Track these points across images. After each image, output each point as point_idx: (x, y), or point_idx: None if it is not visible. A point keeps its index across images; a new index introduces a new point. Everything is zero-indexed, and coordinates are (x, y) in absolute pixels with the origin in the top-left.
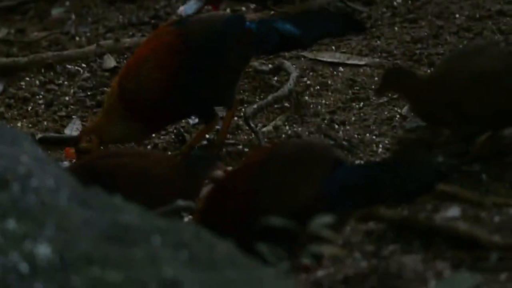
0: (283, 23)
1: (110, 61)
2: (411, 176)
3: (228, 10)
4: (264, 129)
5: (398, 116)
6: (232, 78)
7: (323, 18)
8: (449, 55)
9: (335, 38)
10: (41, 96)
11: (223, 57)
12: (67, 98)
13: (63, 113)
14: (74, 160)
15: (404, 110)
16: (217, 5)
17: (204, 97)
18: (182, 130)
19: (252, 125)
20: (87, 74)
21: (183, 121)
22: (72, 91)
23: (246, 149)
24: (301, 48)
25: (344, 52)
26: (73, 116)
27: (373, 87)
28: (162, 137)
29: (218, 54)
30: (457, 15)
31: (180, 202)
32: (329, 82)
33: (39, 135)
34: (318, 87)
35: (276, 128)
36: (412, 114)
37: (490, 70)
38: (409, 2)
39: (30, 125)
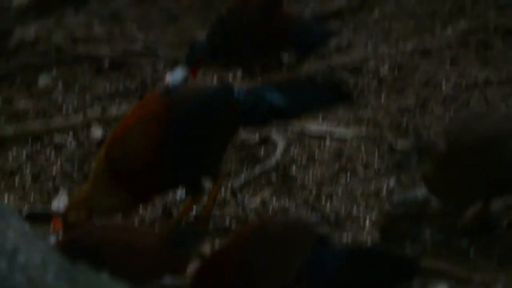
0: (272, 94)
1: (97, 132)
2: (390, 267)
3: (215, 77)
4: (251, 202)
5: (385, 189)
6: (220, 149)
7: (312, 89)
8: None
9: (323, 109)
10: (28, 168)
11: (210, 127)
12: (54, 171)
13: (50, 186)
14: (61, 232)
15: (391, 183)
16: (195, 71)
17: (190, 167)
18: (169, 204)
19: (239, 197)
20: (74, 145)
21: (170, 195)
22: (59, 161)
23: (233, 223)
24: (289, 119)
25: (330, 124)
26: (60, 189)
27: (360, 159)
28: (149, 211)
29: (206, 124)
30: (443, 84)
31: (167, 279)
32: (316, 154)
33: (26, 210)
34: (305, 160)
35: (263, 201)
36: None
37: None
38: (395, 71)
39: (17, 198)
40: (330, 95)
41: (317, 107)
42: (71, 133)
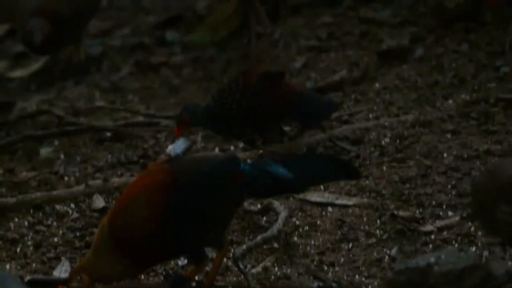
0: (277, 167)
1: (99, 201)
2: None
3: (216, 149)
4: (253, 270)
5: (387, 257)
6: (224, 220)
7: (317, 162)
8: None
9: (328, 182)
10: (29, 237)
11: (214, 198)
12: (56, 239)
13: (52, 255)
14: None
15: (393, 251)
16: (180, 129)
17: (194, 237)
18: (170, 271)
19: (242, 266)
20: (76, 215)
21: (172, 261)
22: (61, 232)
23: None
24: (293, 193)
25: (332, 192)
26: (62, 258)
27: (362, 227)
28: (150, 278)
29: (210, 195)
30: (445, 155)
31: None
32: (318, 222)
33: (27, 278)
34: (307, 228)
35: (265, 269)
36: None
37: None
38: (397, 141)
39: (18, 267)
40: (336, 169)
41: (323, 181)
42: (73, 202)
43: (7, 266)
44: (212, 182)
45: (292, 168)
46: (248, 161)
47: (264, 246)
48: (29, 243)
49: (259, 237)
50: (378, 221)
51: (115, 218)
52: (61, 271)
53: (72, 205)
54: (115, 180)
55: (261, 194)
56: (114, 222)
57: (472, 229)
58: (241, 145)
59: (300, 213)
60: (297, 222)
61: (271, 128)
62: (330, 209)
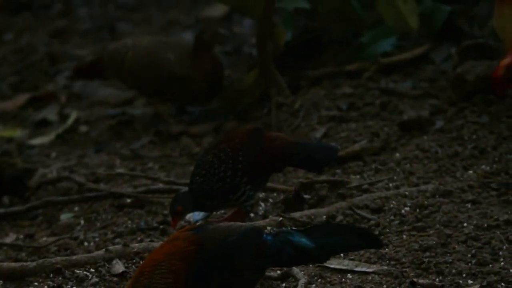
0: (299, 237)
1: (118, 266)
2: None
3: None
4: None
5: None
6: None
7: (339, 231)
8: None
9: (351, 251)
10: None
11: (237, 268)
12: None
13: None
14: None
15: None
16: (175, 221)
17: None
18: None
19: None
20: (95, 279)
21: None
22: None
23: None
24: (316, 263)
25: (352, 259)
26: None
27: None
28: None
29: (233, 265)
30: (465, 224)
31: None
32: None
33: None
34: None
35: None
36: None
37: None
38: (417, 210)
39: None
40: (358, 239)
41: (345, 250)
42: (92, 267)
43: None
44: (236, 252)
45: (314, 238)
46: (271, 230)
47: None
48: None
49: None
50: None
51: (137, 283)
52: None
53: (92, 270)
54: (135, 246)
55: (284, 264)
56: (137, 287)
57: None
58: (260, 212)
59: (319, 280)
60: None
61: (266, 181)
62: (349, 276)
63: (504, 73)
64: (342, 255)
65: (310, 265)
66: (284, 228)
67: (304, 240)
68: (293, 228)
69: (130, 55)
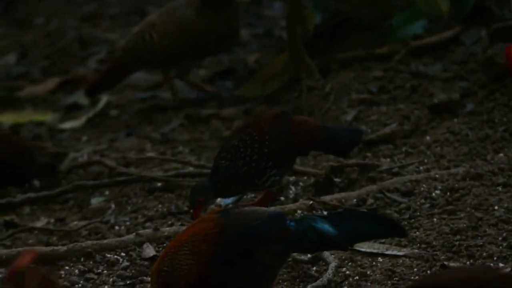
0: (323, 223)
1: (149, 250)
2: None
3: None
4: None
5: None
6: (267, 275)
7: (364, 219)
8: None
9: (374, 239)
10: (80, 286)
11: (258, 253)
12: (106, 287)
13: None
14: None
15: None
16: (197, 211)
17: None
18: None
19: None
20: (126, 263)
21: None
22: (111, 280)
23: None
24: (338, 249)
25: (383, 243)
26: None
27: (412, 278)
28: None
29: (254, 250)
30: (496, 207)
31: None
32: (368, 272)
33: None
34: (357, 278)
35: None
36: None
37: None
38: (448, 193)
39: None
40: (382, 226)
41: (368, 238)
42: (123, 251)
43: None
44: (258, 237)
45: (337, 225)
46: (297, 215)
47: None
48: None
49: (309, 287)
50: (429, 272)
51: (162, 264)
52: None
53: (123, 254)
54: (166, 229)
55: (307, 250)
56: (160, 267)
57: None
58: (291, 195)
59: (350, 263)
60: (347, 272)
61: (292, 165)
62: (380, 259)
63: None
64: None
65: None
66: (308, 213)
67: (327, 227)
68: (317, 214)
69: (156, 34)
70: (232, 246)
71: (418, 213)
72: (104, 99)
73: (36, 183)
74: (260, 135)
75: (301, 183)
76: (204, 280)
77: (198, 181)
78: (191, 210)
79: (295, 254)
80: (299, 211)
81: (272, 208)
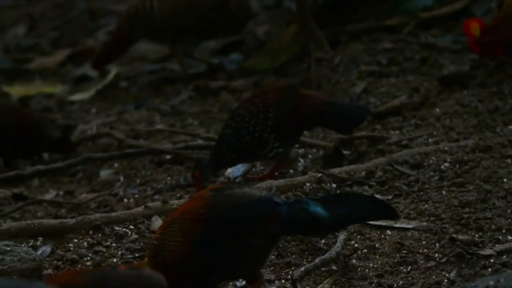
0: (315, 205)
1: (158, 223)
2: None
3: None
4: None
5: (446, 280)
6: (255, 256)
7: (356, 202)
8: None
9: (365, 221)
10: (89, 258)
11: (244, 235)
12: (115, 260)
13: None
14: None
15: (452, 274)
16: (197, 186)
17: (222, 270)
18: None
19: None
20: (135, 236)
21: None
22: (120, 253)
23: None
24: (330, 231)
25: None
26: None
27: (420, 251)
28: None
29: (240, 231)
30: (505, 180)
31: None
32: (377, 245)
33: None
34: (365, 250)
35: None
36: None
37: None
38: (457, 166)
39: None
40: (374, 209)
41: (359, 220)
42: (132, 224)
43: None
44: (244, 219)
45: (329, 207)
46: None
47: (323, 269)
48: (88, 263)
49: (317, 260)
50: (437, 245)
51: (155, 237)
52: None
53: (131, 227)
54: (174, 202)
55: (299, 232)
56: (152, 243)
57: None
58: (300, 168)
59: (359, 236)
60: (356, 245)
61: (296, 139)
62: (389, 232)
63: (480, 35)
64: None
65: None
66: (300, 197)
67: (319, 209)
68: (310, 197)
69: (157, 2)
70: (218, 227)
71: (427, 186)
72: (113, 71)
73: (45, 155)
74: (266, 106)
75: (310, 156)
76: (190, 258)
77: (201, 158)
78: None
79: None
80: (308, 184)
81: (264, 192)
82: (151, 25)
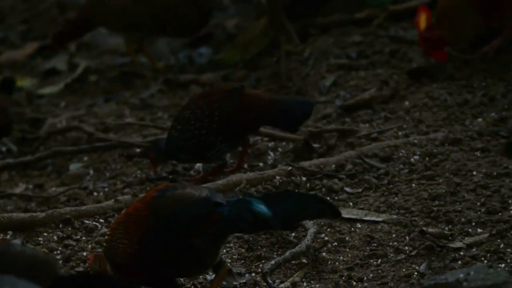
0: (259, 204)
1: None
2: None
3: (245, 165)
4: (282, 285)
5: (416, 273)
6: (203, 254)
7: (298, 201)
8: None
9: (308, 219)
10: (59, 252)
11: (184, 236)
12: (85, 254)
13: (81, 269)
14: None
15: (422, 267)
16: (153, 164)
17: (170, 269)
18: None
19: (270, 281)
20: (105, 230)
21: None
22: (89, 246)
23: None
24: (273, 229)
25: (361, 209)
26: (91, 272)
27: (390, 244)
28: None
29: (179, 233)
30: (474, 173)
31: None
32: (347, 238)
33: None
34: (335, 243)
35: (294, 284)
36: (430, 271)
37: None
38: (427, 159)
39: None
40: (317, 208)
41: (302, 219)
42: (102, 217)
43: None
44: (182, 221)
45: (272, 206)
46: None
47: (293, 262)
48: (59, 257)
49: (287, 253)
50: (407, 238)
51: (104, 241)
52: None
53: (101, 220)
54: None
55: (244, 231)
56: (103, 245)
57: (502, 246)
58: (270, 161)
59: (329, 229)
60: (326, 238)
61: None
62: (359, 225)
63: (424, 30)
64: (351, 204)
65: None
66: (245, 195)
67: (263, 208)
68: (254, 195)
69: None
70: (159, 228)
71: (397, 179)
72: (82, 64)
73: (14, 148)
74: (210, 109)
75: (279, 149)
76: (137, 260)
77: (158, 138)
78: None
79: None
80: (278, 177)
81: (206, 191)
82: (107, 15)
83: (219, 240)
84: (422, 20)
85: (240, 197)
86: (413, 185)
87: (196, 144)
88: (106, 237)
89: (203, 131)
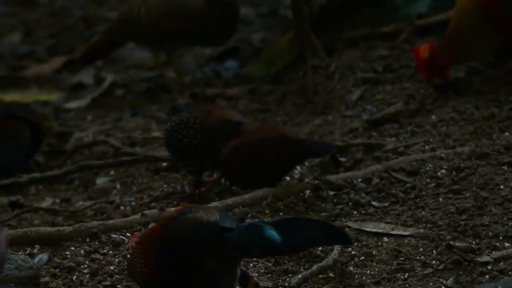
0: (270, 229)
1: None
2: None
3: None
4: None
5: (443, 287)
6: (217, 278)
7: (309, 227)
8: None
9: (319, 246)
10: (86, 266)
11: (194, 259)
12: (112, 268)
13: (108, 283)
14: None
15: (450, 281)
16: None
17: None
18: None
19: None
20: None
21: None
22: (117, 260)
23: None
24: (282, 255)
25: (388, 223)
26: (118, 286)
27: (418, 258)
28: None
29: (189, 256)
30: (501, 187)
31: None
32: (374, 252)
33: None
34: (362, 258)
35: None
36: (457, 285)
37: None
38: (454, 173)
39: None
40: (328, 235)
41: (313, 245)
42: (128, 231)
43: None
44: (191, 245)
45: (282, 231)
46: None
47: (320, 276)
48: (85, 271)
49: (314, 267)
50: (434, 252)
51: (125, 258)
52: None
53: (128, 234)
54: (171, 210)
55: (255, 255)
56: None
57: None
58: (296, 175)
59: (356, 243)
60: (353, 252)
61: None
62: (386, 239)
63: (429, 56)
64: (378, 218)
65: (346, 229)
66: (256, 220)
67: (274, 233)
68: (265, 221)
69: (144, 9)
70: (170, 252)
71: (424, 193)
72: (109, 78)
73: (41, 160)
74: (200, 125)
75: (306, 163)
76: (153, 280)
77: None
78: None
79: None
80: (305, 191)
81: (216, 215)
82: (138, 31)
83: (232, 264)
84: (423, 50)
85: (250, 221)
86: (440, 199)
87: (177, 146)
88: (126, 256)
89: (184, 139)
